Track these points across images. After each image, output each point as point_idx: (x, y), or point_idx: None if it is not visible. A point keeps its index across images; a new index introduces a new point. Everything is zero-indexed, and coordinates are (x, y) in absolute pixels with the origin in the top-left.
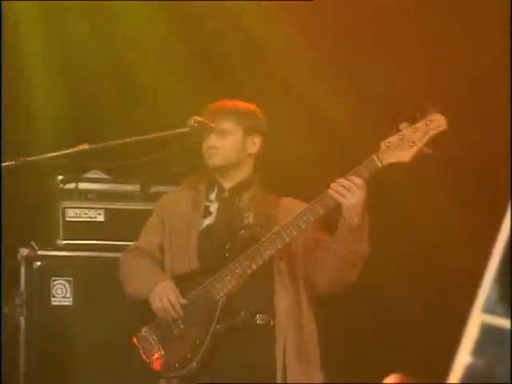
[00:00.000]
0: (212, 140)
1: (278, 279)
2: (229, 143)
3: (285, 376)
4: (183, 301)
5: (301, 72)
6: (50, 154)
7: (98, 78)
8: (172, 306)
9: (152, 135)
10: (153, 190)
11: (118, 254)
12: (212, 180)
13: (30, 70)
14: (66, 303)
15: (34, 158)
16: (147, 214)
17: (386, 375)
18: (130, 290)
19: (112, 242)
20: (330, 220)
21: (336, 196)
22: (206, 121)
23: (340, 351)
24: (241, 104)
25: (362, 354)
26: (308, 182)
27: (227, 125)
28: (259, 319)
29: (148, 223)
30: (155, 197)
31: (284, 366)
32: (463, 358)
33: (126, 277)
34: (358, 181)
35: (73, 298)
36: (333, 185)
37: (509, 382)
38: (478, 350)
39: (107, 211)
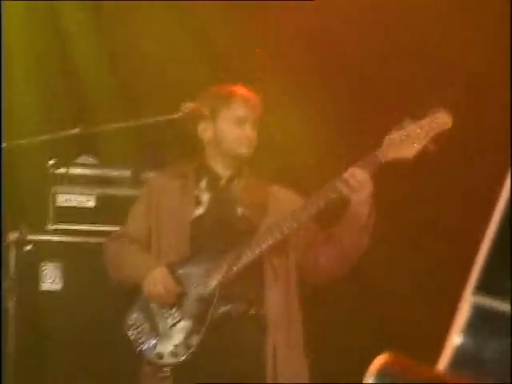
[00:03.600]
0: (249, 130)
1: (270, 271)
2: (255, 134)
3: (275, 364)
4: (179, 288)
5: (301, 61)
6: (42, 138)
7: (96, 63)
8: (167, 293)
9: (144, 121)
10: (144, 176)
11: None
12: (202, 168)
13: (25, 54)
14: (55, 288)
15: (25, 140)
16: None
17: (377, 355)
18: (118, 276)
19: (102, 227)
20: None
21: (345, 190)
22: (199, 107)
23: (327, 337)
24: (256, 95)
25: (351, 336)
26: (306, 175)
27: (257, 116)
28: (252, 310)
29: (134, 209)
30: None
31: (274, 354)
32: (454, 338)
33: (113, 262)
34: (366, 175)
35: (62, 283)
36: (342, 178)
37: (499, 362)
38: (469, 330)
39: (98, 197)
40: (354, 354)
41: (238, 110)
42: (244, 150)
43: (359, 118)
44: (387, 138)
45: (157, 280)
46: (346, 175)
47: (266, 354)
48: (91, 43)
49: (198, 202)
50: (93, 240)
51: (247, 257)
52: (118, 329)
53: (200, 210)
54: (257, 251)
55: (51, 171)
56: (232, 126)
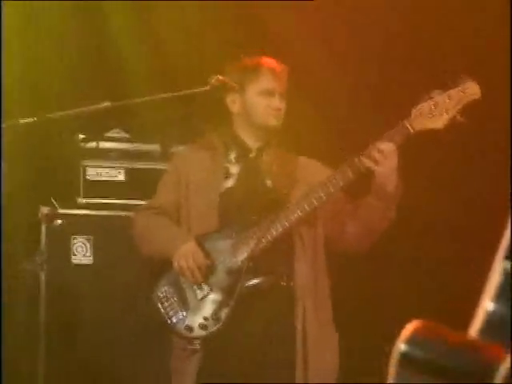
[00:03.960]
0: (277, 101)
1: (299, 242)
2: (284, 106)
3: (305, 336)
4: (209, 262)
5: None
6: (72, 111)
7: (126, 36)
8: (198, 267)
9: (173, 93)
10: (173, 149)
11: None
12: (232, 140)
13: (54, 26)
14: (86, 261)
15: (55, 114)
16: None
17: (407, 323)
18: (148, 249)
19: (132, 201)
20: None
21: (370, 162)
22: (227, 80)
23: (355, 305)
24: (284, 66)
25: (380, 306)
26: (332, 145)
27: (285, 87)
28: (282, 281)
29: (163, 181)
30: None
31: (304, 326)
32: (485, 304)
33: (143, 235)
34: (392, 146)
35: (93, 257)
36: (367, 150)
37: None
38: (500, 296)
39: (128, 170)
40: (383, 325)
41: (266, 82)
42: (272, 122)
43: (386, 91)
44: (416, 108)
45: (187, 253)
46: (371, 147)
47: (295, 325)
48: (121, 16)
49: (227, 174)
50: (123, 213)
51: (276, 229)
52: (148, 302)
53: (230, 182)
54: (286, 223)
55: (81, 145)
56: (260, 97)
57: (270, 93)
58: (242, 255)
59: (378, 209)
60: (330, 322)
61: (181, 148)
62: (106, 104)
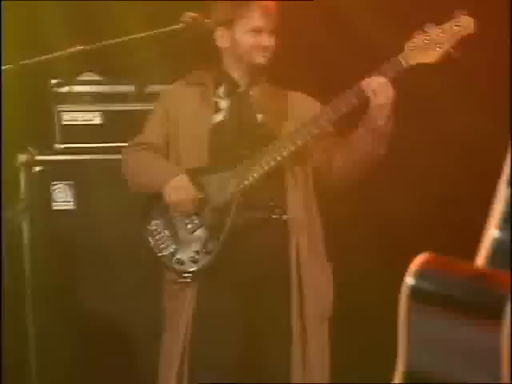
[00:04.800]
0: (266, 39)
1: (290, 176)
2: (273, 42)
3: (299, 267)
4: (200, 195)
5: None
6: (44, 57)
7: None
8: (188, 199)
9: (145, 33)
10: (148, 90)
11: (116, 156)
12: (220, 75)
13: None
14: (68, 207)
15: (27, 61)
16: (144, 114)
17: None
18: (138, 183)
19: (110, 143)
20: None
21: (369, 92)
22: (200, 16)
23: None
24: (275, 2)
25: (377, 242)
26: (326, 82)
27: (275, 24)
28: (273, 215)
29: (151, 117)
30: (151, 97)
31: (298, 258)
32: (491, 232)
33: (132, 170)
34: (385, 80)
35: (74, 202)
36: (366, 80)
37: None
38: (505, 224)
39: (103, 113)
40: (385, 259)
41: (255, 19)
42: (260, 60)
43: (380, 27)
44: (409, 42)
45: (178, 186)
46: (366, 80)
47: (289, 257)
48: None
49: (216, 109)
50: (101, 157)
51: (268, 162)
52: (137, 240)
53: (219, 117)
54: (277, 157)
55: (54, 90)
56: (248, 34)
57: (258, 30)
58: (233, 189)
59: (367, 142)
60: (323, 255)
61: (156, 88)
62: (79, 47)
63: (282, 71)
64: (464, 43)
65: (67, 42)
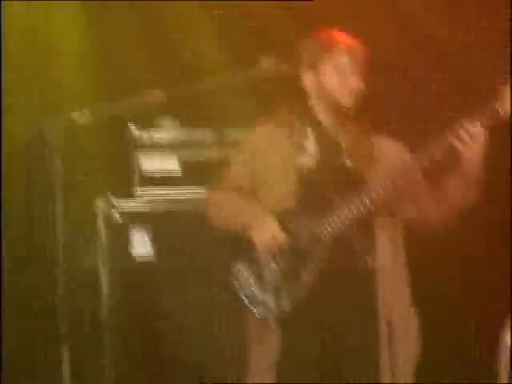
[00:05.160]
0: (353, 80)
1: (378, 223)
2: (360, 84)
3: (388, 318)
4: (288, 238)
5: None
6: (122, 102)
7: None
8: (275, 242)
9: (224, 78)
10: (228, 136)
11: (195, 197)
12: (305, 116)
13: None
14: (145, 252)
15: (107, 105)
16: (223, 160)
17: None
18: (223, 223)
19: (188, 190)
20: None
21: (458, 144)
22: (278, 60)
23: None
24: (360, 42)
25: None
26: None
27: (363, 67)
28: (361, 263)
29: (236, 159)
30: (231, 143)
31: (385, 306)
32: None
33: (216, 210)
34: (480, 128)
35: (152, 247)
36: (456, 131)
37: None
38: None
39: (181, 159)
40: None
41: (340, 59)
42: (346, 101)
43: (466, 70)
44: (503, 88)
45: (265, 229)
46: (459, 128)
47: (376, 305)
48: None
49: (303, 151)
50: (179, 198)
51: (357, 208)
52: (222, 282)
53: (307, 159)
54: (367, 203)
55: (133, 134)
56: (334, 75)
57: (343, 70)
58: (321, 233)
59: (460, 190)
60: (409, 305)
61: (235, 133)
62: (157, 93)
63: (368, 113)
64: None
65: (147, 86)
